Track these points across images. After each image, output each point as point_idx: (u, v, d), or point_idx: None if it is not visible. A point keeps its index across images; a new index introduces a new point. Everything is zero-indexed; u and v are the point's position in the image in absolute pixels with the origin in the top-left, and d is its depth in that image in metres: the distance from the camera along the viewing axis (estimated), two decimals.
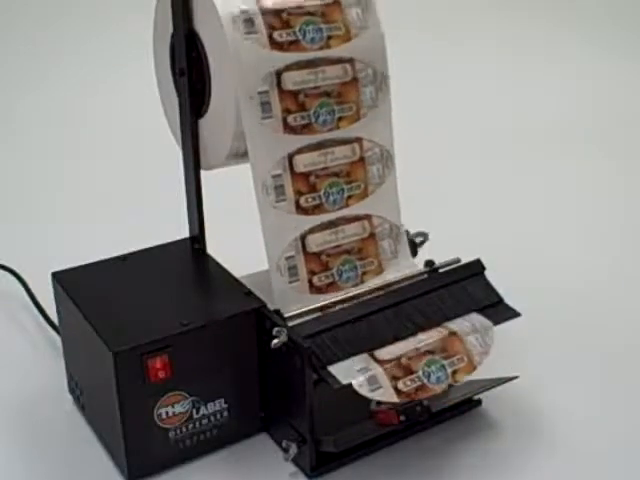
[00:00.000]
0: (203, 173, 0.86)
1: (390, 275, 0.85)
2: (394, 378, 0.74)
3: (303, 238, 0.81)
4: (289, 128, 0.80)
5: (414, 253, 0.89)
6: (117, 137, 1.54)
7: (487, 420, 0.84)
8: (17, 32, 1.91)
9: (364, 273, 0.84)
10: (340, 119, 0.82)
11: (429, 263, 0.87)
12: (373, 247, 0.85)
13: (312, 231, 0.82)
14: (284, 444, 0.77)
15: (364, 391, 0.72)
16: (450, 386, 0.76)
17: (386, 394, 0.73)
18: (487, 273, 0.86)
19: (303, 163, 0.81)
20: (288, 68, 0.79)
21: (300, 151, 0.81)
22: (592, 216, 1.28)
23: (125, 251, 0.88)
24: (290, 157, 0.80)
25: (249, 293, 0.81)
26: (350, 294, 0.83)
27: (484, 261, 0.86)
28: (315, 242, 0.82)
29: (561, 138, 1.55)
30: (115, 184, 1.36)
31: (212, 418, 0.79)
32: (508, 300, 0.85)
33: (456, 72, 1.81)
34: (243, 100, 0.77)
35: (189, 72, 0.81)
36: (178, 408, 0.77)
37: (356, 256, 0.84)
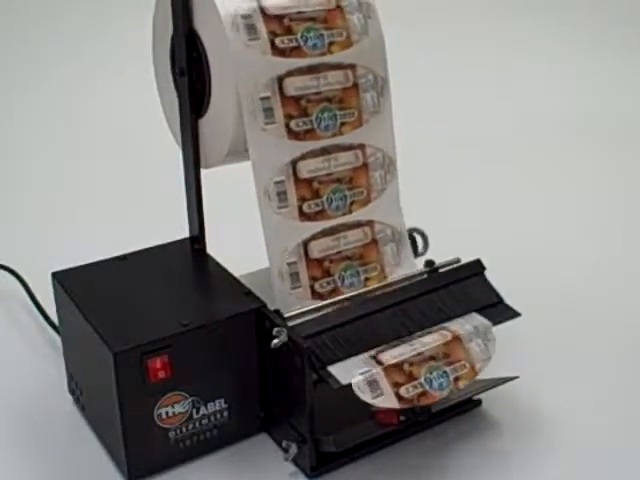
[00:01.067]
0: (203, 173, 0.86)
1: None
2: (396, 384, 0.74)
3: (305, 244, 0.81)
4: (292, 134, 0.80)
5: (414, 253, 0.89)
6: (117, 137, 1.54)
7: (487, 420, 0.84)
8: (17, 32, 1.91)
9: (367, 279, 0.84)
10: (343, 125, 0.83)
11: (429, 263, 0.87)
12: (375, 253, 0.85)
13: (315, 237, 0.82)
14: (284, 444, 0.77)
15: (366, 398, 0.72)
16: (451, 392, 0.76)
17: (388, 400, 0.73)
18: (487, 273, 0.86)
19: (307, 169, 0.81)
20: (290, 74, 0.79)
21: (304, 157, 0.81)
22: (592, 215, 1.28)
23: (125, 251, 0.88)
24: (294, 163, 0.80)
25: (249, 293, 0.81)
26: (350, 294, 0.83)
27: (484, 261, 0.86)
28: (317, 248, 0.82)
29: (561, 138, 1.55)
30: (115, 184, 1.36)
31: (212, 418, 0.79)
32: (508, 300, 0.85)
33: (456, 72, 1.81)
34: (245, 106, 0.77)
35: (189, 72, 0.81)
36: (178, 408, 0.77)
37: (358, 262, 0.84)
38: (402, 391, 0.74)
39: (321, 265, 0.82)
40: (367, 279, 0.84)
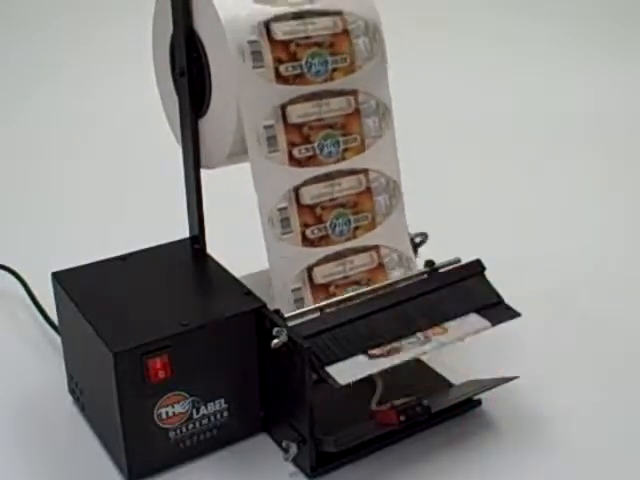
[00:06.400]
0: (203, 173, 0.86)
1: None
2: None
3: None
4: (294, 161, 0.80)
5: (414, 253, 0.89)
6: (117, 137, 1.54)
7: (487, 420, 0.85)
8: (17, 32, 1.91)
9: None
10: (345, 150, 0.83)
11: (429, 263, 0.87)
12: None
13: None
14: (284, 444, 0.77)
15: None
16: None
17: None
18: (487, 273, 0.86)
19: (309, 195, 0.81)
20: (293, 101, 0.79)
21: (306, 183, 0.81)
22: (592, 215, 1.28)
23: (125, 251, 0.88)
24: (296, 189, 0.81)
25: (249, 293, 0.81)
26: (350, 294, 0.83)
27: (484, 261, 0.86)
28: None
29: (561, 138, 1.56)
30: (115, 184, 1.36)
31: (212, 418, 0.79)
32: (508, 300, 0.85)
33: (456, 72, 1.81)
34: (249, 135, 0.78)
35: (189, 72, 0.81)
36: (178, 408, 0.77)
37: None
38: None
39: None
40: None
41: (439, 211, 1.21)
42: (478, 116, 1.62)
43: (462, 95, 1.70)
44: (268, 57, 0.78)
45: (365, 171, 0.84)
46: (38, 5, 1.97)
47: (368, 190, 0.84)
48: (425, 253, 0.89)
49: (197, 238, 0.89)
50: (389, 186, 0.86)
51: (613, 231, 1.23)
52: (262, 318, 0.77)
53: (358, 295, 0.83)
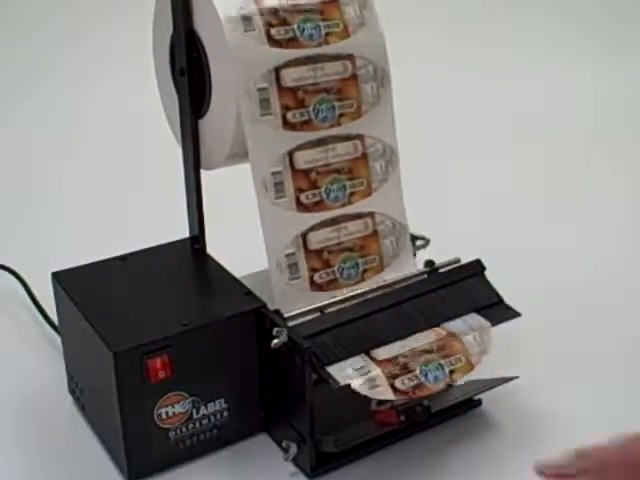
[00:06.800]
0: (203, 173, 0.86)
1: (391, 274, 0.85)
2: (392, 376, 0.74)
3: (304, 235, 0.81)
4: (288, 125, 0.80)
5: (413, 253, 0.89)
6: (117, 137, 1.54)
7: (487, 420, 0.84)
8: (17, 32, 1.91)
9: (365, 271, 0.84)
10: (341, 116, 0.82)
11: (429, 263, 0.87)
12: (375, 245, 0.85)
13: (313, 228, 0.82)
14: (284, 444, 0.77)
15: (363, 390, 0.72)
16: (449, 386, 0.76)
17: (384, 392, 0.73)
18: (487, 273, 0.86)
19: (304, 160, 0.81)
20: (287, 65, 0.79)
21: (300, 148, 0.81)
22: (592, 215, 1.27)
23: (125, 251, 0.88)
24: (290, 154, 0.80)
25: (249, 293, 0.81)
26: (350, 294, 0.83)
27: (484, 261, 0.86)
28: (317, 239, 0.82)
29: (561, 138, 1.55)
30: (115, 184, 1.36)
31: (212, 418, 0.79)
32: (508, 300, 0.85)
33: (456, 71, 1.81)
34: (242, 97, 0.77)
35: (189, 72, 0.81)
36: (178, 408, 0.77)
37: (358, 253, 0.84)
38: (397, 383, 0.74)
39: (320, 256, 0.82)
40: (365, 271, 0.84)
41: (439, 211, 1.21)
42: (478, 116, 1.62)
43: (462, 95, 1.70)
44: (258, 21, 0.78)
45: (361, 137, 0.84)
46: (38, 5, 1.97)
47: (364, 156, 0.84)
48: (425, 253, 0.89)
49: (197, 238, 0.89)
50: (385, 152, 0.85)
51: (613, 231, 1.23)
52: (262, 318, 0.77)
53: (358, 295, 0.83)
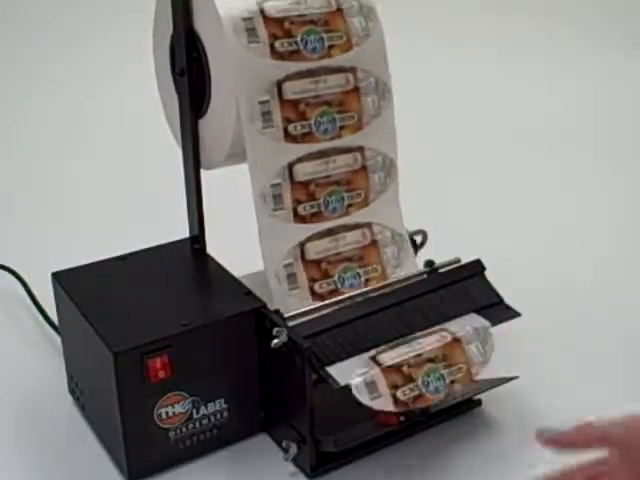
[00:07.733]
0: (203, 173, 0.86)
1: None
2: (394, 386, 0.74)
3: (302, 246, 0.81)
4: (290, 137, 0.80)
5: (414, 253, 0.89)
6: (117, 137, 1.54)
7: (487, 420, 0.84)
8: (17, 32, 1.91)
9: (367, 280, 0.84)
10: (342, 128, 0.83)
11: (429, 263, 0.87)
12: (375, 254, 0.85)
13: (311, 239, 0.82)
14: (284, 444, 0.77)
15: (364, 399, 0.73)
16: (446, 395, 0.76)
17: (385, 403, 0.73)
18: (487, 273, 0.86)
19: (303, 172, 0.81)
20: (289, 78, 0.79)
21: (300, 160, 0.81)
22: (592, 216, 1.27)
23: (125, 251, 0.88)
24: (290, 166, 0.80)
25: (249, 293, 0.81)
26: (350, 294, 0.83)
27: (484, 261, 0.86)
28: (314, 249, 0.82)
29: (562, 138, 1.55)
30: (115, 184, 1.36)
31: (212, 418, 0.79)
32: (508, 300, 0.85)
33: (456, 72, 1.81)
34: (244, 109, 0.77)
35: (189, 72, 0.81)
36: (178, 408, 0.77)
37: (357, 263, 0.84)
38: (399, 394, 0.74)
39: (319, 266, 0.82)
40: (368, 280, 0.84)
41: (439, 211, 1.21)
42: (478, 116, 1.62)
43: (462, 95, 1.70)
44: (263, 33, 0.77)
45: (361, 149, 0.84)
46: (38, 5, 1.97)
47: (363, 168, 0.84)
48: (425, 253, 0.89)
49: (197, 238, 0.89)
50: (385, 164, 0.85)
51: (613, 231, 1.23)
52: (262, 318, 0.77)
53: (358, 295, 0.83)
